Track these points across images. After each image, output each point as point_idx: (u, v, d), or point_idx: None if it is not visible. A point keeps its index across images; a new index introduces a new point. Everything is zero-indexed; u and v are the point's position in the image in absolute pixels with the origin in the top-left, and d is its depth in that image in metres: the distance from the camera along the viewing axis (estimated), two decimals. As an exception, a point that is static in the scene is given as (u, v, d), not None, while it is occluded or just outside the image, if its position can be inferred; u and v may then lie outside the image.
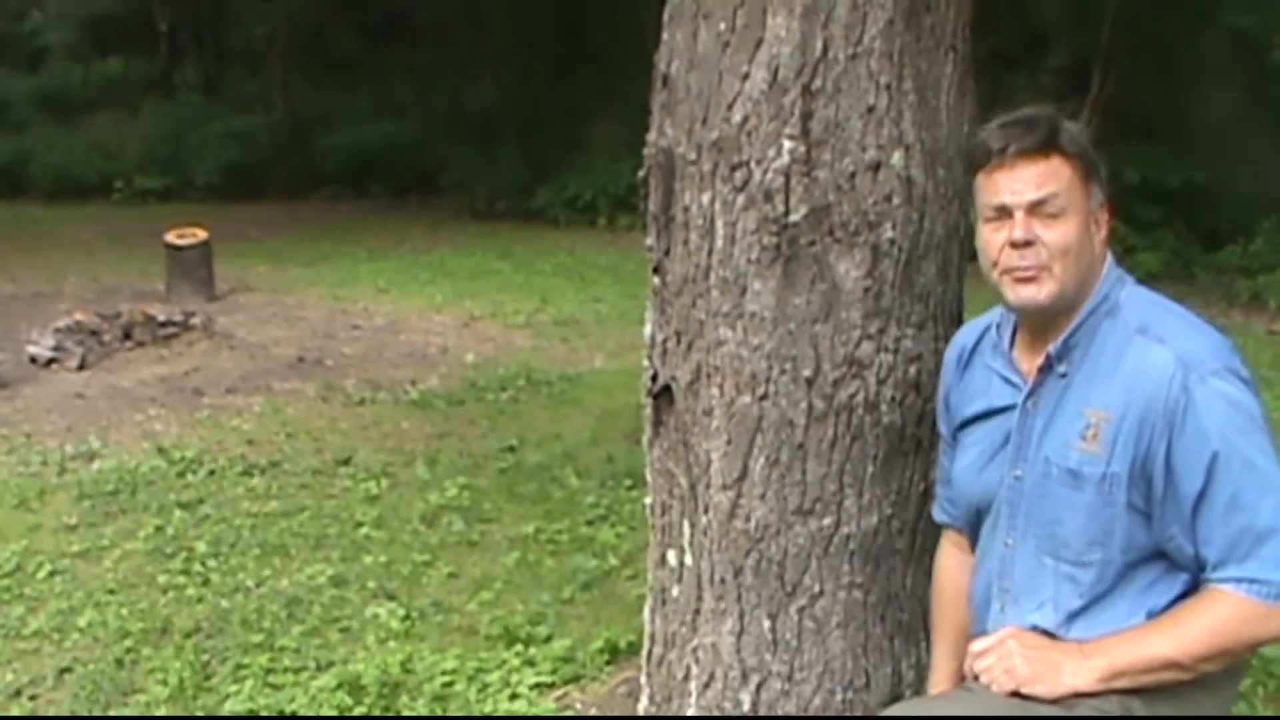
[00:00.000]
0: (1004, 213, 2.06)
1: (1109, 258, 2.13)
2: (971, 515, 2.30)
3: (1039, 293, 2.05)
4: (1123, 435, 2.00)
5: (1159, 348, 2.01)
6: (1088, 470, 2.03)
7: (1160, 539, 2.02)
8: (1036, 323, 2.13)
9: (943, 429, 2.39)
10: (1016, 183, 2.04)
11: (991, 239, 2.08)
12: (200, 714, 3.69)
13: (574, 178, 16.56)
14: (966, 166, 2.19)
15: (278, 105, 20.66)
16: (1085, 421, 2.04)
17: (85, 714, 3.74)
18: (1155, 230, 13.07)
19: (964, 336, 2.36)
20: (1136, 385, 2.00)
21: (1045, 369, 2.11)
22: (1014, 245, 2.04)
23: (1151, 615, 2.03)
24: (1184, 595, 2.03)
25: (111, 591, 4.52)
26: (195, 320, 9.00)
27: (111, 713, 3.74)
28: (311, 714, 3.57)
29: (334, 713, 3.56)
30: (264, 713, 3.63)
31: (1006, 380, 2.19)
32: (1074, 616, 2.08)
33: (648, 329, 2.74)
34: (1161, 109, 13.98)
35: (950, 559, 2.43)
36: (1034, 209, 2.03)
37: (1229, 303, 11.69)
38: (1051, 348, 2.10)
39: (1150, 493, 2.00)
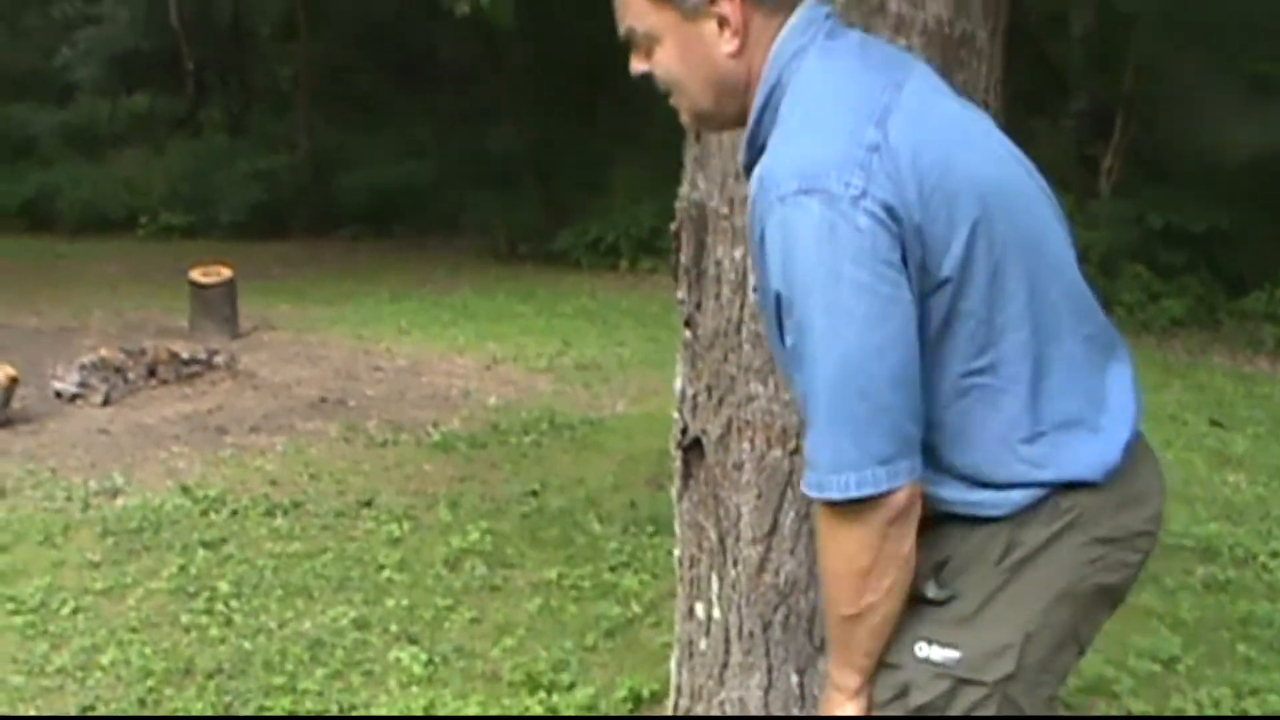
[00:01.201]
0: None
1: (791, 23, 1.77)
2: None
3: (686, 121, 1.94)
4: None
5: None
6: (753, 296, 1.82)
7: None
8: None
9: None
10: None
11: None
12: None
13: (595, 221, 16.61)
14: None
15: (301, 145, 20.82)
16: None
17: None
18: (1179, 276, 13.04)
19: None
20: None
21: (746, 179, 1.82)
22: None
23: None
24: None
25: (134, 630, 4.52)
26: (219, 359, 9.04)
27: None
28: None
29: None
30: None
31: None
32: None
33: (678, 383, 2.75)
34: (1185, 154, 13.97)
35: None
36: (632, 44, 1.85)
37: (1254, 349, 11.64)
38: (740, 156, 1.85)
39: None
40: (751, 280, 2.02)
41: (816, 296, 1.59)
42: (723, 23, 1.75)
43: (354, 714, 3.88)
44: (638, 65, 1.85)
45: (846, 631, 1.76)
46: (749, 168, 1.77)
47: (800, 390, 1.68)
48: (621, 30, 1.83)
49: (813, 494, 1.67)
